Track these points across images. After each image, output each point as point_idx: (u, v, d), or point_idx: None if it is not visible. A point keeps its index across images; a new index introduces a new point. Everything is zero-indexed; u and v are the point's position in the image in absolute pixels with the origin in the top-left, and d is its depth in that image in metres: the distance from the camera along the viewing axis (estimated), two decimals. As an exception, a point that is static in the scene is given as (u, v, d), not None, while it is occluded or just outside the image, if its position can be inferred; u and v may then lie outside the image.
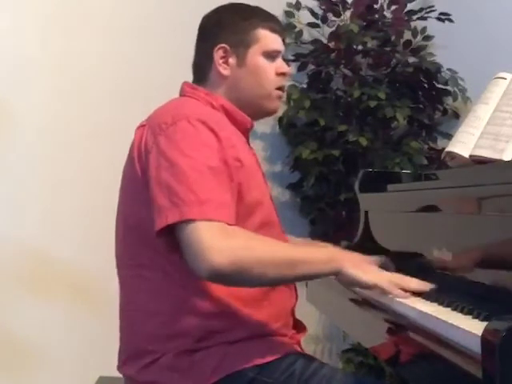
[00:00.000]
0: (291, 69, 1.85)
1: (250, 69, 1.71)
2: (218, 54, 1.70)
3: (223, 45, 1.70)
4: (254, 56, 1.71)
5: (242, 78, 1.71)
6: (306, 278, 1.64)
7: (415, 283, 1.55)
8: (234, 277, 1.45)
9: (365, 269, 1.55)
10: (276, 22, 1.77)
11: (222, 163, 1.53)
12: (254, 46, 1.71)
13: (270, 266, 1.47)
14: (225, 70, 1.71)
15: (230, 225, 1.47)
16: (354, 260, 1.57)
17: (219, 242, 1.43)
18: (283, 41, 1.79)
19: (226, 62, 1.71)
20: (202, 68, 1.74)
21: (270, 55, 1.73)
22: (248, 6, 1.78)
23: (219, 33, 1.72)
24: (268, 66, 1.72)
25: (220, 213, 1.47)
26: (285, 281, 1.59)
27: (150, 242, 1.56)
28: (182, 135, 1.53)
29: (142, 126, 1.65)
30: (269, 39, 1.73)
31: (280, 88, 1.76)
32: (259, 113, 1.76)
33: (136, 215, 1.60)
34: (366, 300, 1.68)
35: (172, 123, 1.55)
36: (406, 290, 1.53)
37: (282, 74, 1.75)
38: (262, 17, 1.75)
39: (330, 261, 1.53)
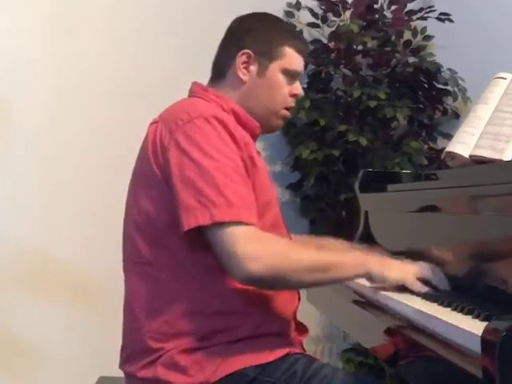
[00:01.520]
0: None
1: (269, 82, 1.73)
2: (241, 59, 1.71)
3: (248, 51, 1.71)
4: (275, 71, 1.73)
5: (259, 88, 1.73)
6: (337, 281, 1.68)
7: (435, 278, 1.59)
8: (271, 283, 1.52)
9: (390, 267, 1.61)
10: (303, 44, 1.82)
11: (242, 162, 1.56)
12: (277, 61, 1.72)
13: (304, 272, 1.53)
14: (244, 76, 1.72)
15: (258, 227, 1.51)
16: (379, 261, 1.61)
17: (254, 249, 1.47)
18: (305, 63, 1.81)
19: (247, 68, 1.72)
20: (222, 67, 1.75)
21: (290, 74, 1.75)
22: (281, 21, 1.82)
23: (247, 38, 1.73)
24: (285, 84, 1.74)
25: (250, 215, 1.50)
26: (317, 285, 1.67)
27: (159, 241, 1.58)
28: (202, 134, 1.54)
29: (154, 122, 1.66)
30: (293, 59, 1.74)
31: (288, 109, 1.78)
32: (262, 126, 1.75)
33: (147, 213, 1.60)
34: (366, 300, 1.68)
35: (188, 120, 1.56)
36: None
37: (295, 96, 1.78)
38: (292, 35, 1.78)
39: (359, 264, 1.59)
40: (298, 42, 1.77)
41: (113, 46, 3.00)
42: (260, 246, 1.48)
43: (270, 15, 1.82)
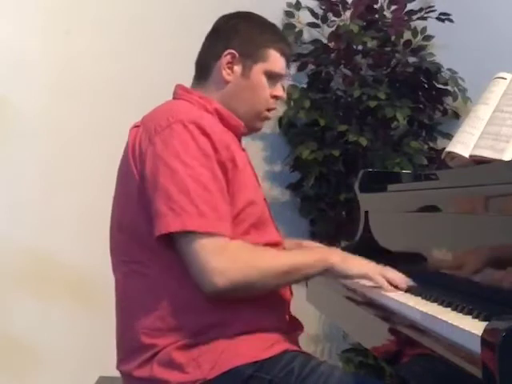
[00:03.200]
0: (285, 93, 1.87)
1: (252, 83, 1.74)
2: (225, 58, 1.72)
3: (233, 51, 1.72)
4: (258, 73, 1.74)
5: (242, 89, 1.74)
6: (302, 280, 1.76)
7: (397, 278, 1.66)
8: (236, 293, 1.55)
9: (352, 262, 1.66)
10: (288, 46, 1.81)
11: (219, 167, 1.57)
12: (261, 63, 1.73)
13: (269, 279, 1.57)
14: (228, 76, 1.72)
15: (228, 237, 1.53)
16: (341, 255, 1.66)
17: (219, 262, 1.50)
18: (288, 66, 1.82)
19: (231, 68, 1.72)
20: (206, 66, 1.76)
21: (272, 77, 1.76)
22: (266, 22, 1.81)
23: (233, 38, 1.73)
24: (267, 86, 1.75)
25: (220, 225, 1.52)
26: (283, 286, 1.69)
27: (145, 241, 1.59)
28: (179, 140, 1.55)
29: (136, 126, 1.68)
30: (276, 61, 1.76)
31: (269, 110, 1.79)
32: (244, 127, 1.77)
33: (130, 215, 1.62)
34: (366, 300, 1.68)
35: (166, 126, 1.57)
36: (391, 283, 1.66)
37: (276, 98, 1.79)
38: (277, 37, 1.78)
39: (321, 261, 1.63)
40: (282, 45, 1.78)
41: (112, 46, 3.00)
42: (224, 260, 1.51)
43: (256, 15, 1.82)
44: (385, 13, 3.22)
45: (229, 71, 1.72)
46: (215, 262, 1.49)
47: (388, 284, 1.64)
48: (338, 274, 1.65)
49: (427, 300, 1.49)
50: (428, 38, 3.22)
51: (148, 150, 1.57)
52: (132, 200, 1.61)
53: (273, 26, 1.82)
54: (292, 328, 1.74)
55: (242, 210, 1.60)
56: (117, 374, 1.70)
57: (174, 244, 1.54)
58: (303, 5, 3.27)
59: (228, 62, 1.72)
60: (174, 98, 1.77)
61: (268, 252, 1.63)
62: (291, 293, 1.76)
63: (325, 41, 3.26)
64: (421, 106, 3.19)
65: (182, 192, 1.51)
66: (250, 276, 1.54)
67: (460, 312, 1.33)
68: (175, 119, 1.58)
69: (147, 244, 1.58)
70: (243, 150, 1.74)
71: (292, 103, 3.19)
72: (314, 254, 1.68)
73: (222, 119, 1.69)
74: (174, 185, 1.52)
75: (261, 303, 1.62)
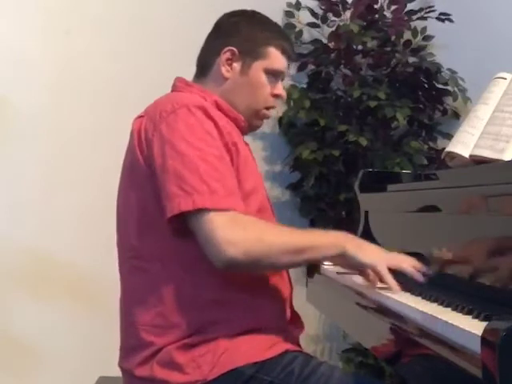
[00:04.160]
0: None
1: (251, 80, 1.74)
2: (225, 55, 1.73)
3: (233, 48, 1.72)
4: (258, 70, 1.74)
5: (240, 86, 1.74)
6: (314, 261, 1.74)
7: (409, 271, 1.60)
8: (248, 266, 1.53)
9: (366, 250, 1.61)
10: (289, 45, 1.81)
11: (225, 149, 1.58)
12: (260, 61, 1.74)
13: (281, 254, 1.54)
14: (227, 73, 1.73)
15: (241, 212, 1.53)
16: (356, 242, 1.63)
17: (232, 234, 1.49)
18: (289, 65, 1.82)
19: (230, 65, 1.73)
20: (206, 62, 1.77)
21: (273, 74, 1.76)
22: (268, 20, 1.82)
23: (233, 35, 1.74)
24: (267, 84, 1.75)
25: (230, 201, 1.52)
26: (294, 265, 1.70)
27: (149, 232, 1.59)
28: (184, 124, 1.56)
29: (140, 117, 1.68)
30: (277, 59, 1.76)
31: (269, 108, 1.79)
32: None
33: (136, 205, 1.62)
34: (366, 300, 1.68)
35: (172, 111, 1.58)
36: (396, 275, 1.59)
37: (276, 96, 1.79)
38: (278, 35, 1.79)
39: (334, 244, 1.59)
40: (283, 42, 1.78)
41: (112, 46, 3.00)
42: (237, 231, 1.50)
43: (258, 13, 1.82)
44: (385, 13, 3.23)
45: (228, 68, 1.73)
46: (227, 233, 1.48)
47: (395, 283, 1.57)
48: (351, 261, 1.60)
49: (427, 300, 1.49)
50: (428, 38, 3.23)
51: (154, 136, 1.58)
52: (139, 190, 1.61)
53: (275, 24, 1.83)
54: (293, 326, 1.74)
55: (243, 195, 1.60)
56: (117, 374, 1.70)
57: (186, 225, 1.52)
58: (303, 5, 3.27)
59: (227, 59, 1.73)
60: (172, 91, 1.77)
61: (281, 228, 1.61)
62: (291, 285, 1.75)
63: (325, 41, 3.26)
64: (421, 106, 3.19)
65: (192, 172, 1.51)
66: (261, 249, 1.51)
67: (460, 312, 1.33)
68: (180, 105, 1.59)
69: (153, 235, 1.59)
70: (246, 144, 1.74)
71: (292, 103, 3.19)
72: (330, 236, 1.62)
73: (221, 111, 1.69)
74: (183, 166, 1.52)
75: (261, 299, 1.62)
